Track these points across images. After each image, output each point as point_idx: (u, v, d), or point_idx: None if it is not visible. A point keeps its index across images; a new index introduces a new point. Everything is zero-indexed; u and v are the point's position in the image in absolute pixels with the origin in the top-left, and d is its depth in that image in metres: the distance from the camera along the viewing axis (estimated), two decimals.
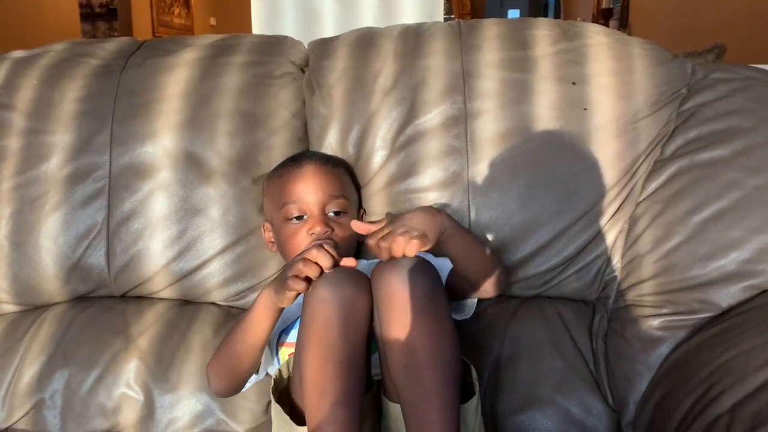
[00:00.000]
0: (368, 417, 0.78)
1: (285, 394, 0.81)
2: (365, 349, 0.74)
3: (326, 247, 0.75)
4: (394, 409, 0.78)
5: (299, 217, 0.95)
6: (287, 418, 0.76)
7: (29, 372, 1.00)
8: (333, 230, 0.94)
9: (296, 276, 0.74)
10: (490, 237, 1.00)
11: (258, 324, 0.82)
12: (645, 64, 1.03)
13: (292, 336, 0.91)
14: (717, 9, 2.85)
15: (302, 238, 0.94)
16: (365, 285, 0.74)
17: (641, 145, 1.00)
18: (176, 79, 1.08)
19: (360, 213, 1.04)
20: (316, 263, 0.74)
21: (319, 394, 0.69)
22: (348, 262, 0.76)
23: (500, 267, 0.96)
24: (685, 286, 0.94)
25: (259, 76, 1.08)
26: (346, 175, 1.01)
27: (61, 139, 1.06)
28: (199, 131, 1.05)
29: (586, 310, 1.03)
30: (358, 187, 1.05)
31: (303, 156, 1.01)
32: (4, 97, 1.10)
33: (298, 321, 0.79)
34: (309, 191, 0.95)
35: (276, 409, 0.79)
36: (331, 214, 0.96)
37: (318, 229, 0.92)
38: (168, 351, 1.01)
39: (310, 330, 0.71)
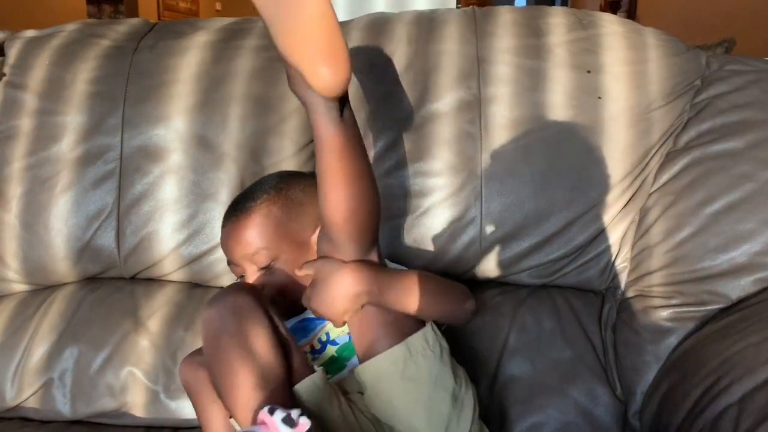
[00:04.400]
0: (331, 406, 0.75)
1: None
2: (277, 358, 0.71)
3: None
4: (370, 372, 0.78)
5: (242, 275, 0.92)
6: None
7: (39, 351, 1.01)
8: (264, 287, 0.89)
9: None
10: (499, 225, 1.00)
11: None
12: (659, 54, 1.03)
13: None
14: (727, 2, 2.83)
15: None
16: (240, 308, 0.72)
17: (654, 136, 1.00)
18: (188, 62, 1.07)
19: (319, 229, 0.91)
20: None
21: None
22: None
23: (456, 303, 0.88)
24: (695, 278, 0.94)
25: (272, 60, 1.08)
26: (267, 217, 0.90)
27: (72, 120, 1.06)
28: (210, 115, 1.05)
29: (596, 300, 1.04)
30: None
31: (226, 212, 0.95)
32: (16, 76, 1.10)
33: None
34: (233, 255, 0.91)
35: None
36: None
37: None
38: (177, 333, 1.01)
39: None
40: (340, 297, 0.79)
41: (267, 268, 0.90)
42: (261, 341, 0.71)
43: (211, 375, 0.73)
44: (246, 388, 0.68)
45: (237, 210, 0.93)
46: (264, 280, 0.90)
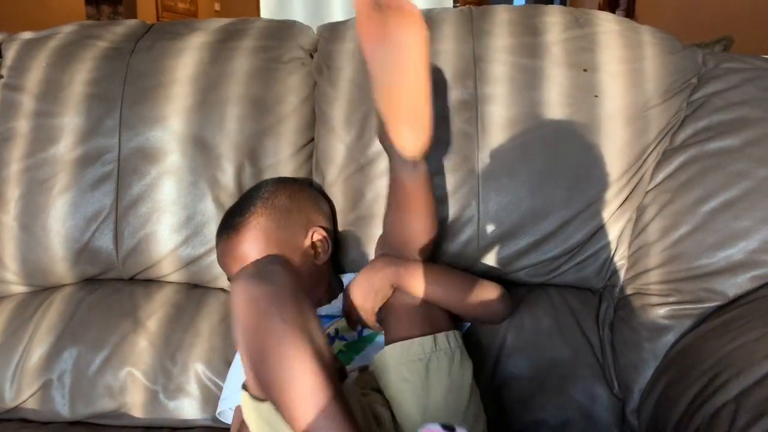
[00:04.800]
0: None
1: None
2: (330, 350, 0.67)
3: None
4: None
5: None
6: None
7: (38, 352, 1.01)
8: None
9: None
10: (497, 224, 1.00)
11: None
12: (656, 52, 1.03)
13: None
14: (726, 0, 2.84)
15: None
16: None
17: (651, 134, 1.00)
18: (185, 63, 1.07)
19: (310, 233, 0.97)
20: None
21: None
22: None
23: (488, 298, 0.91)
24: (692, 275, 0.95)
25: (268, 61, 1.08)
26: (257, 230, 0.93)
27: (70, 121, 1.06)
28: (207, 116, 1.05)
29: (593, 298, 1.04)
30: (321, 207, 1.02)
31: (218, 230, 0.99)
32: (13, 78, 1.10)
33: None
34: (231, 271, 0.95)
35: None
36: None
37: None
38: (176, 334, 1.01)
39: None
40: (372, 277, 0.86)
41: None
42: (317, 332, 0.65)
43: (253, 359, 0.65)
44: (313, 382, 0.62)
45: (227, 227, 0.96)
46: None
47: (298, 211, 0.98)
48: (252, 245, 0.93)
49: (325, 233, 0.98)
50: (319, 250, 0.97)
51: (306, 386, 0.62)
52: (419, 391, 0.78)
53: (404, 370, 0.79)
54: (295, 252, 0.94)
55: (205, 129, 1.04)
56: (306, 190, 1.02)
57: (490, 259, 1.02)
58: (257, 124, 1.05)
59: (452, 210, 1.00)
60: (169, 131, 1.05)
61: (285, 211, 0.96)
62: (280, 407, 0.64)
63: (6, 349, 1.02)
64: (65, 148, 1.06)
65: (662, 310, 0.96)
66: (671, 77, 1.02)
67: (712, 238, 0.94)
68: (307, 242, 0.96)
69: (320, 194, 1.05)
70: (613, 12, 4.30)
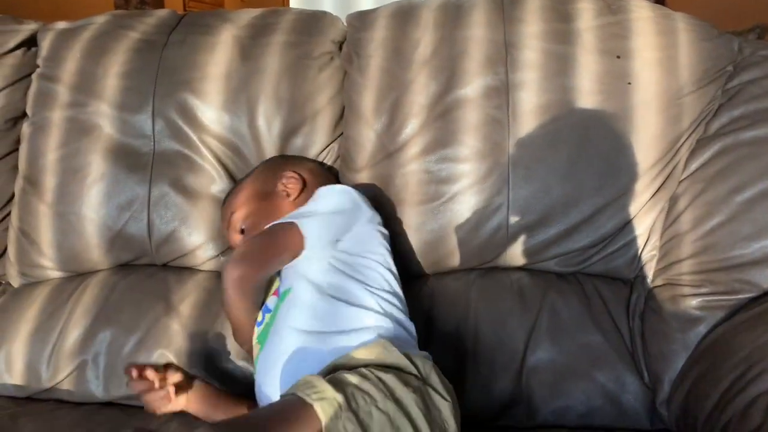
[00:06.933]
0: None
1: None
2: None
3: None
4: None
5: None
6: None
7: (73, 334, 1.03)
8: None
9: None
10: (527, 212, 1.00)
11: None
12: (690, 39, 1.01)
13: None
14: None
15: None
16: None
17: (685, 123, 0.99)
18: (217, 60, 1.08)
19: (282, 178, 1.02)
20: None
21: None
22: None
23: None
24: (726, 266, 0.93)
25: (299, 58, 1.08)
26: (248, 188, 1.03)
27: (104, 112, 1.08)
28: (238, 114, 1.07)
29: (624, 288, 1.03)
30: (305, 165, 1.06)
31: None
32: (49, 68, 1.12)
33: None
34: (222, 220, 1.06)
35: None
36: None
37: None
38: (208, 318, 1.03)
39: None
40: None
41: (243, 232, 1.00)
42: None
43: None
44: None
45: (234, 187, 1.08)
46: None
47: (272, 168, 1.05)
48: (238, 207, 1.01)
49: (295, 174, 1.02)
50: (289, 189, 1.01)
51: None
52: None
53: None
54: (269, 196, 1.01)
55: (235, 125, 1.07)
56: (281, 156, 1.09)
57: (519, 248, 1.02)
58: (288, 122, 1.07)
59: (481, 197, 1.00)
60: (201, 126, 1.07)
61: (260, 172, 1.06)
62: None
63: (43, 331, 1.05)
64: (99, 138, 1.08)
65: (694, 301, 0.95)
66: (706, 64, 1.00)
67: (747, 229, 0.93)
68: (280, 186, 1.01)
69: (309, 160, 1.09)
70: None
